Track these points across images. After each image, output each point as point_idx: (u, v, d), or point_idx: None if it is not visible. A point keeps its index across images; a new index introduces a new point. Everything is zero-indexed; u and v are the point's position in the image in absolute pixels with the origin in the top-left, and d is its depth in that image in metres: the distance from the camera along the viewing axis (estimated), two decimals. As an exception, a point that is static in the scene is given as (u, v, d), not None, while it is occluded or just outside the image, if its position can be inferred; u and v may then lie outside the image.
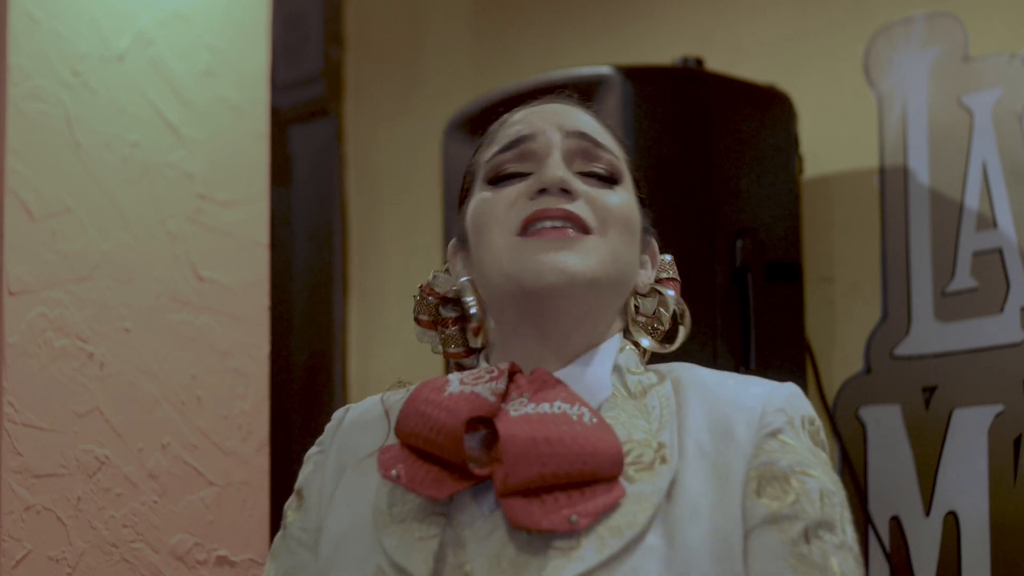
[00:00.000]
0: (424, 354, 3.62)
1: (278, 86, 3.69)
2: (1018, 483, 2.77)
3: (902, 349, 2.94)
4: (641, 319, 1.75)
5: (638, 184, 1.75)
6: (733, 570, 1.55)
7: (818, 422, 1.66)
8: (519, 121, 1.72)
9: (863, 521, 2.94)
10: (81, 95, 2.74)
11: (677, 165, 2.76)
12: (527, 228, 1.64)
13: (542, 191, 1.65)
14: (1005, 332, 2.81)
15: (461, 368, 1.77)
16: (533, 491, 1.54)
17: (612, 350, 1.69)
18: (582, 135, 1.70)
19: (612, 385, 1.66)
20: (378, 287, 3.86)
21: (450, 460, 1.57)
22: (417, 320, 1.77)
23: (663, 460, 1.58)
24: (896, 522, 2.91)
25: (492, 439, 1.58)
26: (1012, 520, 2.77)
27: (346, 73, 3.95)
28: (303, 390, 3.93)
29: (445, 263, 1.80)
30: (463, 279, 1.72)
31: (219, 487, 2.83)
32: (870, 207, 3.01)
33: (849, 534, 1.59)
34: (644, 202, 1.75)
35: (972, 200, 2.88)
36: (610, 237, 1.65)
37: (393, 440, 1.65)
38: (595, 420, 1.57)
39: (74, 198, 2.71)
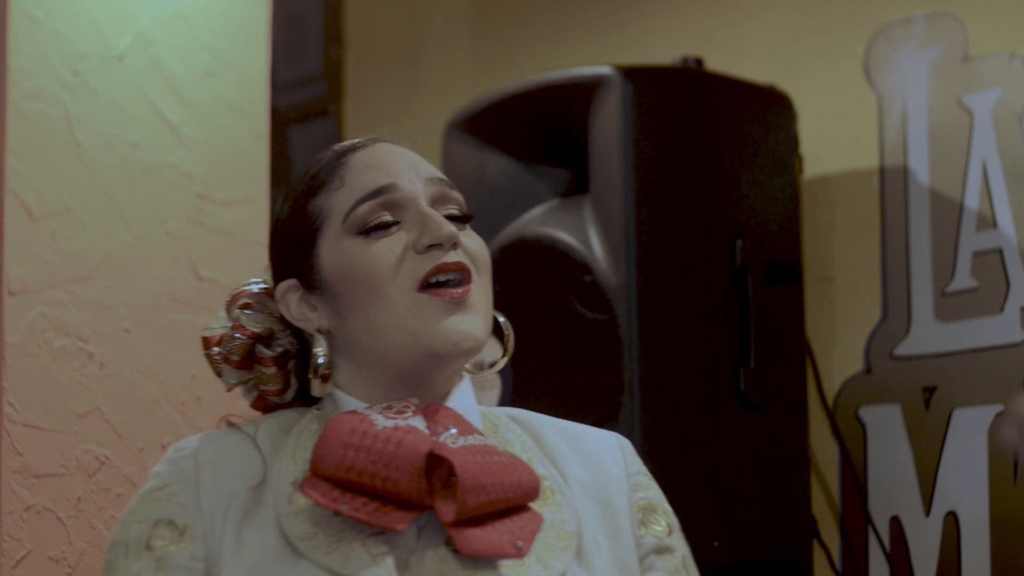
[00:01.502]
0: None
1: (278, 86, 3.69)
2: (1018, 483, 2.77)
3: (902, 349, 2.94)
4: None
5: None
6: None
7: None
8: (372, 167, 1.72)
9: (863, 521, 2.94)
10: (81, 95, 2.74)
11: (677, 165, 2.76)
12: (425, 284, 1.66)
13: (432, 247, 1.67)
14: (1005, 332, 2.81)
15: (268, 408, 1.78)
16: (475, 519, 1.60)
17: (469, 386, 1.75)
18: (440, 180, 1.72)
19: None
20: (378, 287, 3.86)
21: (396, 492, 1.59)
22: (226, 359, 1.76)
23: (552, 491, 1.69)
24: (896, 522, 2.91)
25: (430, 471, 1.61)
26: (1012, 520, 2.77)
27: (346, 73, 3.95)
28: (303, 390, 3.93)
29: (235, 302, 1.78)
30: (316, 329, 1.72)
31: (219, 487, 2.83)
32: (870, 207, 3.01)
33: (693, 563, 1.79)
34: None
35: (972, 200, 2.88)
36: (483, 281, 1.71)
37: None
38: (505, 451, 1.66)
39: (74, 198, 2.71)
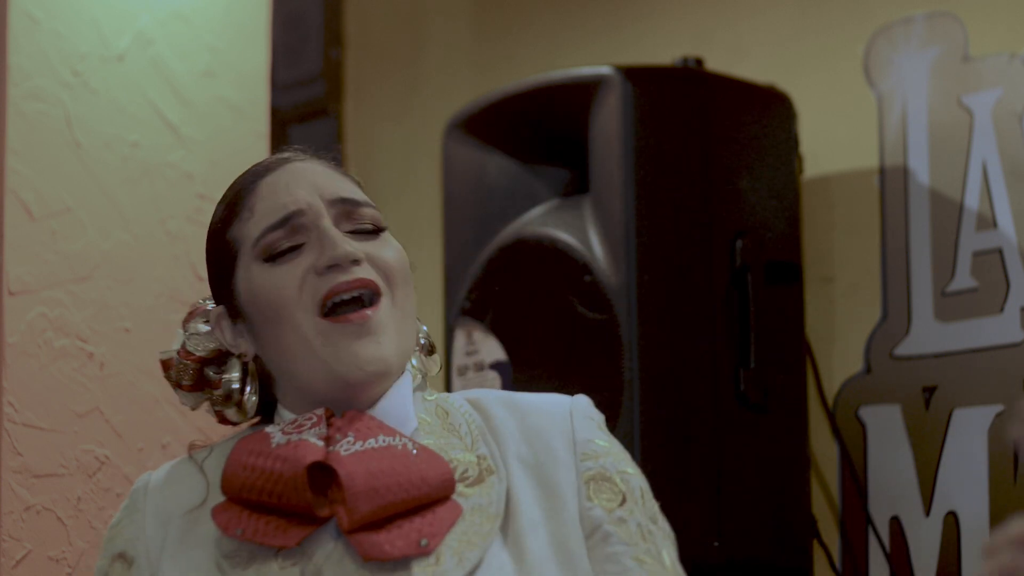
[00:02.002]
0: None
1: (278, 86, 3.69)
2: (1018, 483, 2.77)
3: (902, 349, 2.94)
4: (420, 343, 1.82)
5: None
6: (577, 573, 1.65)
7: (606, 426, 1.79)
8: (278, 192, 1.74)
9: (863, 521, 2.94)
10: (81, 95, 2.74)
11: (677, 165, 2.76)
12: (326, 305, 1.68)
13: (331, 267, 1.69)
14: (1005, 332, 2.81)
15: (233, 424, 1.81)
16: (377, 522, 1.61)
17: (407, 385, 1.75)
18: (343, 200, 1.73)
19: (417, 416, 1.73)
20: (378, 287, 3.86)
21: (291, 507, 1.62)
22: (179, 385, 1.79)
23: (489, 471, 1.68)
24: (896, 522, 2.91)
25: (325, 481, 1.63)
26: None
27: (346, 73, 3.95)
28: (303, 390, 3.93)
29: (189, 320, 1.81)
30: (240, 354, 1.75)
31: (219, 487, 2.83)
32: (870, 207, 3.01)
33: (662, 520, 1.73)
34: None
35: (972, 200, 2.87)
36: (398, 296, 1.71)
37: (215, 497, 1.69)
38: (416, 449, 1.65)
39: (74, 198, 2.71)
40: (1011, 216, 2.82)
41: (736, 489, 2.71)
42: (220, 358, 1.78)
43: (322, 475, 1.63)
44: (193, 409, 1.82)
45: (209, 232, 1.79)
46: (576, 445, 1.72)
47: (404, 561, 1.60)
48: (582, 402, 1.78)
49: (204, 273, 2.84)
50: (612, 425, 2.64)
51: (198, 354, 1.78)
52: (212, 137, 2.89)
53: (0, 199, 2.63)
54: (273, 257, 1.71)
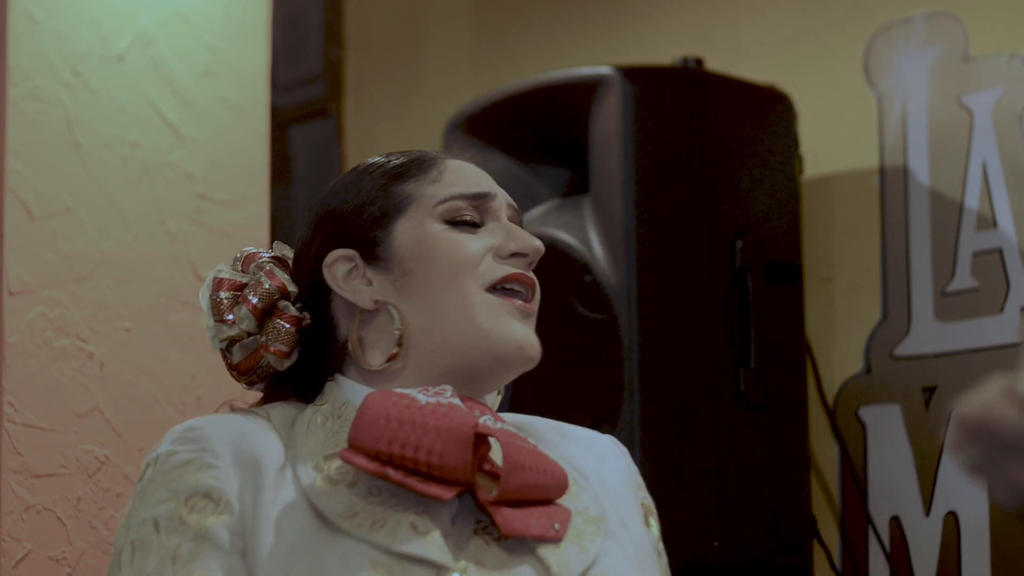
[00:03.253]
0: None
1: (278, 86, 3.69)
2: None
3: (902, 349, 2.94)
4: None
5: None
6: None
7: None
8: (468, 173, 1.77)
9: (863, 521, 2.94)
10: (81, 95, 2.74)
11: (677, 165, 2.76)
12: (496, 286, 1.71)
13: (515, 255, 1.73)
14: (1005, 332, 2.81)
15: (251, 380, 1.78)
16: (521, 501, 1.60)
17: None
18: (516, 209, 1.79)
19: None
20: (378, 287, 3.86)
21: (439, 467, 1.57)
22: (246, 301, 1.73)
23: (571, 483, 1.70)
24: (896, 522, 2.91)
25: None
26: (1012, 520, 2.77)
27: (346, 73, 3.95)
28: (303, 390, 3.93)
29: (252, 260, 1.78)
30: (376, 300, 1.72)
31: (219, 487, 2.83)
32: (870, 207, 3.01)
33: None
34: None
35: (972, 200, 2.88)
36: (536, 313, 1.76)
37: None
38: (534, 444, 1.68)
39: (74, 198, 2.71)
40: (1011, 216, 2.82)
41: (736, 489, 2.71)
42: (289, 297, 1.76)
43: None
44: (218, 343, 1.75)
45: (360, 184, 1.76)
46: (631, 475, 1.79)
47: (528, 545, 1.60)
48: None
49: (204, 273, 2.86)
50: (612, 425, 2.65)
51: (283, 282, 1.75)
52: (212, 137, 2.89)
53: (0, 199, 2.63)
54: (456, 223, 1.73)
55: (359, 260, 1.73)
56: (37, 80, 2.68)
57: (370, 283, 1.72)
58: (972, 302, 2.85)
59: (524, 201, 2.91)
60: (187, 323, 2.82)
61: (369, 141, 3.88)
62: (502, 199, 1.77)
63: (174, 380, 2.79)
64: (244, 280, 1.75)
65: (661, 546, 1.77)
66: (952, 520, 2.83)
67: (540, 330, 2.79)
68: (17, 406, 2.60)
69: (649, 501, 1.79)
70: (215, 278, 1.76)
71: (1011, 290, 2.81)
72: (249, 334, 1.75)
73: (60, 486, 2.64)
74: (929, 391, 2.90)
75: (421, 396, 1.62)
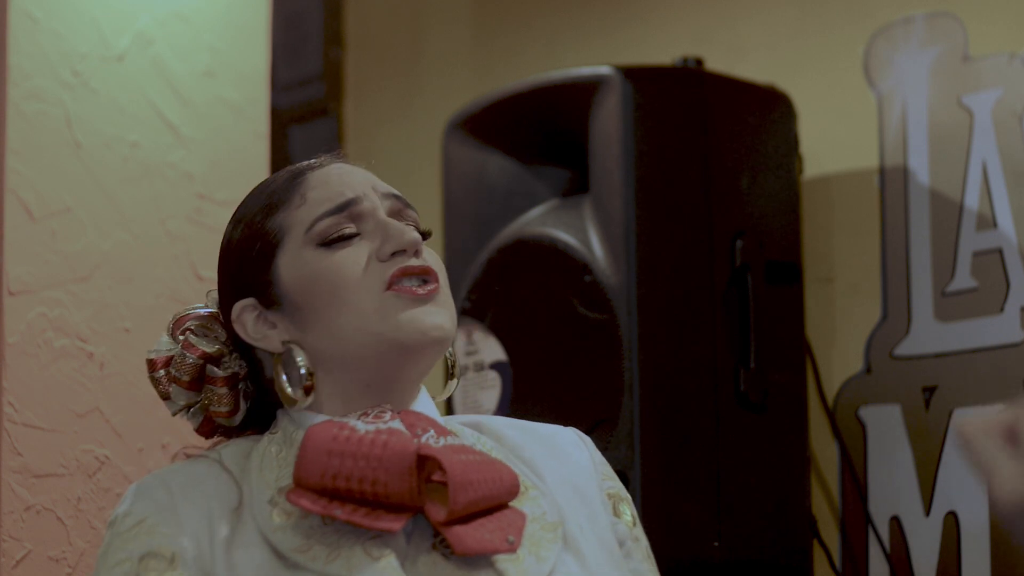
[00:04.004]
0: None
1: (278, 86, 3.69)
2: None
3: (902, 349, 2.94)
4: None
5: None
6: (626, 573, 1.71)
7: None
8: (331, 183, 1.75)
9: (863, 521, 2.94)
10: (81, 95, 2.74)
11: (677, 165, 2.76)
12: (391, 286, 1.68)
13: (395, 253, 1.69)
14: (1005, 332, 2.81)
15: (212, 435, 1.79)
16: (465, 518, 1.60)
17: (427, 397, 1.76)
18: (395, 196, 1.76)
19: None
20: (378, 287, 3.86)
21: (386, 496, 1.58)
22: (176, 380, 1.76)
23: (526, 487, 1.70)
24: (896, 522, 2.91)
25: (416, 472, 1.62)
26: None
27: (346, 73, 3.95)
28: (303, 390, 3.93)
29: (180, 325, 1.81)
30: (284, 341, 1.72)
31: (219, 487, 2.83)
32: (870, 207, 3.01)
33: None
34: None
35: (972, 200, 2.88)
36: (446, 290, 1.72)
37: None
38: (481, 451, 1.67)
39: (74, 198, 2.71)
40: (1011, 216, 2.82)
41: (736, 489, 2.71)
42: (220, 357, 1.77)
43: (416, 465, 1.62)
44: (175, 414, 1.78)
45: (242, 224, 1.79)
46: (595, 466, 1.79)
47: (486, 559, 1.60)
48: (583, 433, 1.84)
49: (204, 273, 2.86)
50: (612, 425, 2.65)
51: (205, 350, 1.76)
52: (212, 137, 2.90)
53: (0, 199, 2.63)
54: (329, 243, 1.71)
55: (259, 306, 1.74)
56: (37, 80, 2.68)
57: (274, 326, 1.73)
58: (972, 302, 2.85)
59: (524, 201, 2.91)
60: (187, 323, 2.82)
61: (369, 141, 3.88)
62: (373, 197, 1.74)
63: (174, 380, 2.79)
64: (173, 354, 1.78)
65: (638, 531, 1.77)
66: (952, 520, 2.83)
67: (541, 330, 2.80)
68: (17, 406, 2.60)
69: (617, 489, 1.78)
70: (148, 359, 1.79)
71: (1011, 290, 2.81)
72: (193, 403, 1.78)
73: (60, 486, 2.64)
74: (929, 391, 2.90)
75: (360, 424, 1.63)
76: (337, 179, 1.75)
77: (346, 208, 1.72)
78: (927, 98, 2.95)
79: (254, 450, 1.71)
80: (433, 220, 3.48)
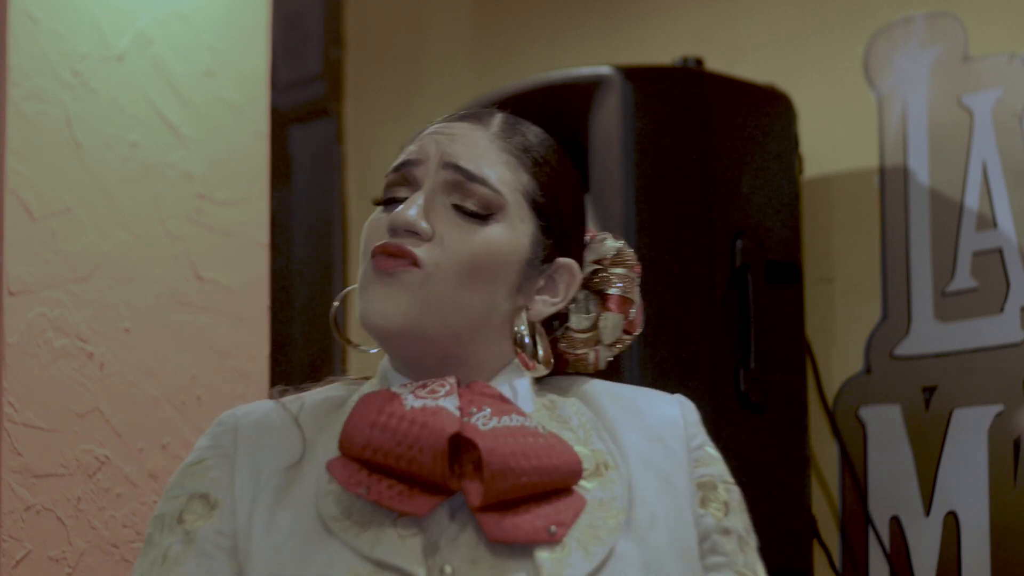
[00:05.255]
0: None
1: (278, 86, 3.69)
2: (1018, 483, 2.77)
3: (902, 349, 2.94)
4: (580, 336, 1.75)
5: (542, 213, 1.69)
6: (695, 573, 1.62)
7: None
8: (415, 141, 1.70)
9: (863, 521, 2.94)
10: (81, 95, 2.74)
11: (677, 165, 2.76)
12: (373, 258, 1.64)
13: (392, 228, 1.64)
14: (1005, 332, 2.81)
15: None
16: (507, 503, 1.56)
17: (518, 374, 1.69)
18: (456, 168, 1.65)
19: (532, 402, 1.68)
20: (378, 287, 3.86)
21: (421, 476, 1.56)
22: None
23: (607, 466, 1.63)
24: (896, 522, 2.91)
25: (456, 454, 1.58)
26: (1012, 520, 2.77)
27: (346, 73, 3.95)
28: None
29: None
30: (335, 303, 1.74)
31: (219, 487, 2.83)
32: (870, 207, 3.01)
33: (753, 534, 1.72)
34: (550, 229, 1.70)
35: (972, 200, 2.88)
36: (443, 278, 1.62)
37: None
38: (547, 431, 1.61)
39: (74, 198, 2.71)
40: (1011, 216, 2.82)
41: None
42: None
43: (455, 447, 1.57)
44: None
45: None
46: (690, 451, 1.69)
47: (528, 547, 1.55)
48: (689, 405, 1.74)
49: (204, 273, 2.86)
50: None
51: None
52: (212, 137, 2.89)
53: (0, 199, 2.63)
54: (381, 202, 1.69)
55: None
56: (37, 80, 2.68)
57: None
58: (972, 302, 2.85)
59: (524, 201, 2.91)
60: (187, 323, 2.82)
61: (369, 141, 3.88)
62: (431, 164, 1.66)
63: (174, 380, 2.79)
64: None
65: (732, 521, 1.68)
66: (952, 520, 2.83)
67: (540, 330, 2.79)
68: (17, 406, 2.60)
69: (710, 476, 1.68)
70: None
71: (1011, 290, 2.81)
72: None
73: (60, 486, 2.64)
74: (929, 391, 2.90)
75: (410, 398, 1.60)
76: (422, 137, 1.69)
77: (401, 169, 1.68)
78: (927, 98, 2.95)
79: (347, 401, 1.70)
80: (433, 220, 3.48)
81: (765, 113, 2.89)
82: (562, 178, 1.73)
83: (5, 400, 2.59)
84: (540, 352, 1.68)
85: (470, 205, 1.65)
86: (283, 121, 3.93)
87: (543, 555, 1.55)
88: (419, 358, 1.65)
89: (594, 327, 1.75)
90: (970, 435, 2.83)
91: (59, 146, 2.70)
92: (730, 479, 1.71)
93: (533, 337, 1.68)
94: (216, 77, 2.91)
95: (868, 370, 2.98)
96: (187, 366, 2.81)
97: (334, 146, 3.94)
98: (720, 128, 2.80)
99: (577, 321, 1.75)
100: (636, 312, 1.77)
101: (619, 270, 1.77)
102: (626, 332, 1.77)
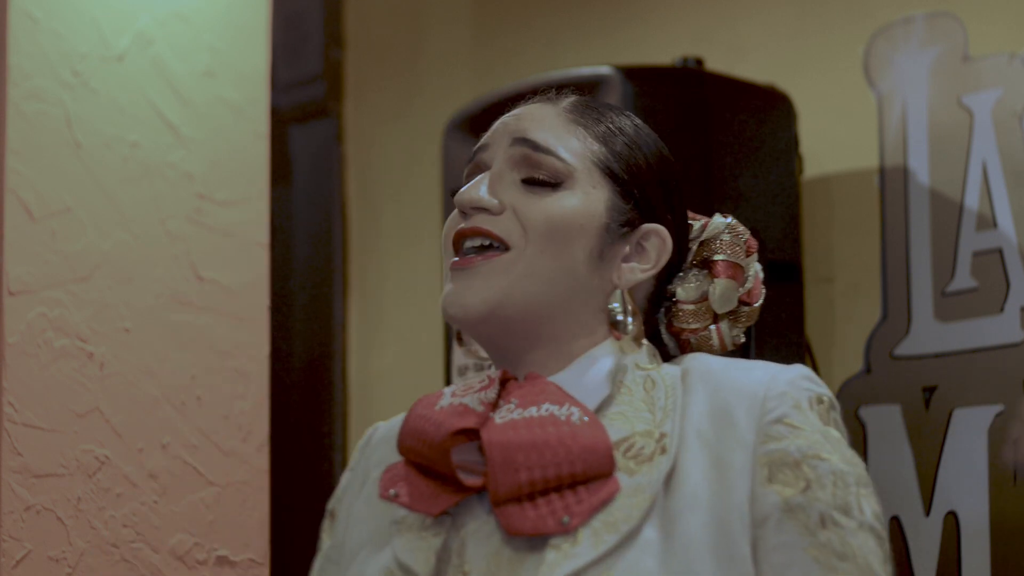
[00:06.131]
0: (423, 354, 3.62)
1: (278, 86, 3.69)
2: (1018, 483, 2.77)
3: (902, 349, 2.94)
4: (689, 307, 1.71)
5: (617, 178, 1.68)
6: (732, 560, 1.53)
7: (829, 400, 1.62)
8: (495, 125, 1.72)
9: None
10: (81, 95, 2.74)
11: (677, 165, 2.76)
12: (456, 250, 1.65)
13: (462, 211, 1.66)
14: (1005, 332, 2.81)
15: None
16: (527, 495, 1.55)
17: (605, 353, 1.66)
18: (524, 141, 1.67)
19: (615, 383, 1.64)
20: (378, 287, 3.86)
21: (443, 473, 1.59)
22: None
23: (663, 450, 1.57)
24: (896, 522, 2.91)
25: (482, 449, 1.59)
26: (1012, 520, 2.77)
27: (346, 73, 3.95)
28: (303, 390, 3.93)
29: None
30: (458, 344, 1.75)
31: (219, 487, 2.83)
32: (870, 207, 3.01)
33: (868, 512, 1.55)
34: (630, 194, 1.69)
35: (972, 200, 2.88)
36: (529, 251, 1.63)
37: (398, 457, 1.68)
38: (585, 419, 1.57)
39: (74, 198, 2.71)
40: (1011, 216, 2.82)
41: (736, 489, 2.70)
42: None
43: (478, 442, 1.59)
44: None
45: None
46: (762, 426, 1.57)
47: (543, 538, 1.54)
48: (786, 377, 1.62)
49: (204, 273, 2.86)
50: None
51: None
52: (212, 137, 2.89)
53: (0, 199, 2.63)
54: (455, 192, 1.69)
55: None
56: (37, 80, 2.68)
57: None
58: (972, 302, 2.85)
59: (524, 201, 2.91)
60: (187, 323, 2.82)
61: (369, 141, 3.88)
62: (500, 144, 1.68)
63: (174, 380, 2.79)
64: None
65: (805, 499, 1.53)
66: (952, 520, 2.83)
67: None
68: (17, 406, 2.60)
69: (781, 451, 1.55)
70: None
71: (1011, 290, 2.81)
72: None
73: (60, 486, 2.64)
74: (929, 391, 2.90)
75: (447, 397, 1.63)
76: (495, 125, 1.71)
77: (476, 154, 1.70)
78: (927, 98, 2.95)
79: None
80: (433, 220, 3.49)
81: (765, 113, 2.89)
82: (640, 147, 1.73)
83: (5, 400, 2.59)
84: (630, 324, 1.66)
85: (539, 175, 1.65)
86: (283, 121, 3.93)
87: (551, 545, 1.54)
88: (502, 345, 1.65)
89: (704, 297, 1.71)
90: (970, 435, 2.83)
91: (59, 146, 2.70)
92: (823, 454, 1.56)
93: (634, 312, 1.67)
94: (216, 77, 2.91)
95: (868, 370, 2.98)
96: (187, 366, 2.81)
97: (334, 146, 3.94)
98: (720, 128, 2.80)
99: (684, 292, 1.71)
100: (753, 281, 1.74)
101: (725, 237, 1.76)
102: (744, 303, 1.73)
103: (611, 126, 1.72)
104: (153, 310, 2.78)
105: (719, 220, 1.79)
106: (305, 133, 4.00)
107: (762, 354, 2.76)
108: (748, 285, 1.73)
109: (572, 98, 1.73)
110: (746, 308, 1.74)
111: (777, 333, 2.81)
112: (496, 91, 2.96)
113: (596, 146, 1.68)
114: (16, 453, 2.60)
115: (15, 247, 2.63)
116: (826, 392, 1.63)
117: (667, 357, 1.72)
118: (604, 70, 2.77)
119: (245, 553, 2.85)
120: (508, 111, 1.75)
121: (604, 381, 1.64)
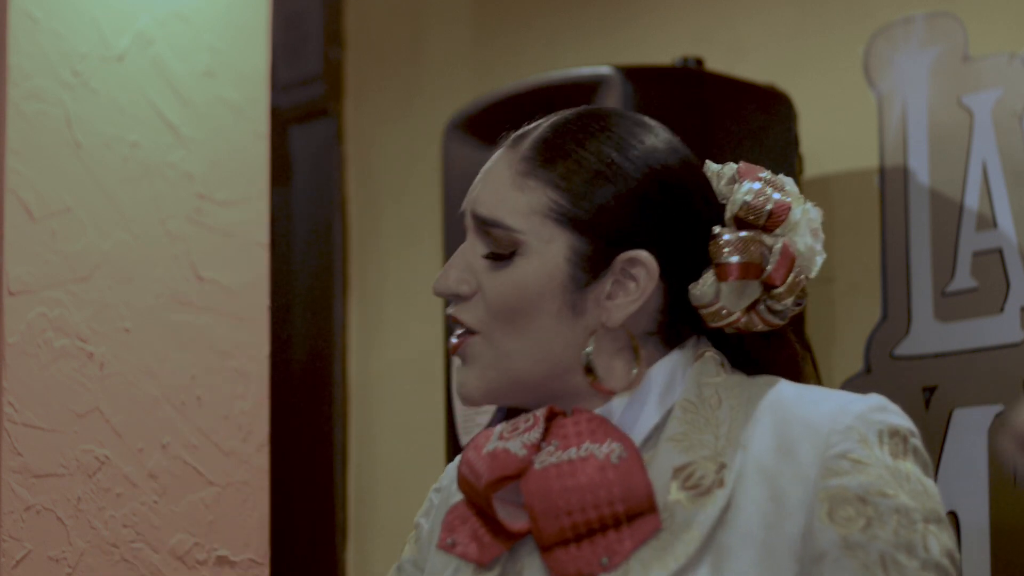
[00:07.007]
0: (423, 354, 3.62)
1: (278, 86, 3.69)
2: (1018, 484, 2.77)
3: (902, 349, 2.94)
4: (707, 311, 1.61)
5: (576, 221, 1.60)
6: None
7: (905, 431, 1.59)
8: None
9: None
10: (81, 95, 2.74)
11: (677, 165, 2.76)
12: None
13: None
14: (1005, 332, 2.81)
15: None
16: (573, 538, 1.56)
17: (659, 373, 1.61)
18: (474, 216, 1.63)
19: (670, 405, 1.60)
20: (378, 287, 3.86)
21: (492, 516, 1.61)
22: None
23: (721, 483, 1.53)
24: (896, 522, 2.90)
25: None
26: (1012, 520, 2.77)
27: (346, 73, 3.95)
28: (303, 390, 3.93)
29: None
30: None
31: (219, 487, 2.83)
32: (870, 207, 3.01)
33: (935, 550, 1.51)
34: (597, 231, 1.60)
35: (972, 200, 2.88)
36: (496, 335, 1.61)
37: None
38: (624, 456, 1.55)
39: (74, 198, 2.71)
40: (1011, 216, 2.82)
41: (736, 489, 2.70)
42: None
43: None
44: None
45: None
46: (824, 461, 1.52)
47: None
48: (856, 409, 1.58)
49: (204, 273, 2.86)
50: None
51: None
52: (212, 137, 2.90)
53: (0, 199, 2.63)
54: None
55: None
56: (37, 80, 2.68)
57: None
58: (972, 302, 2.85)
59: (524, 201, 2.91)
60: (187, 323, 2.82)
61: (369, 141, 3.88)
62: (467, 214, 1.65)
63: (174, 380, 2.79)
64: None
65: (865, 538, 1.49)
66: (952, 520, 2.83)
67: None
68: (17, 406, 2.61)
69: (841, 487, 1.51)
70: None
71: (1011, 290, 2.81)
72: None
73: (60, 486, 2.64)
74: (929, 391, 2.90)
75: (494, 439, 1.62)
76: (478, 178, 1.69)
77: (461, 222, 1.69)
78: (927, 98, 2.95)
79: None
80: (433, 220, 3.48)
81: (765, 113, 2.89)
82: (618, 172, 1.65)
83: (5, 400, 2.59)
84: (615, 371, 1.61)
85: (495, 249, 1.61)
86: (283, 121, 3.93)
87: None
88: (532, 404, 1.64)
89: (717, 298, 1.61)
90: (970, 435, 2.83)
91: (59, 146, 2.70)
92: (887, 490, 1.52)
93: (635, 348, 1.61)
94: (216, 77, 2.92)
95: (868, 370, 2.98)
96: (187, 366, 2.81)
97: (334, 146, 3.94)
98: (720, 128, 2.80)
99: (701, 295, 1.62)
100: (778, 259, 1.61)
101: (729, 236, 1.62)
102: (769, 285, 1.62)
103: (578, 158, 1.64)
104: (153, 310, 2.78)
105: (740, 194, 1.65)
106: (305, 133, 4.00)
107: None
108: (769, 268, 1.61)
109: (536, 136, 1.67)
110: (778, 289, 1.62)
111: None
112: (496, 91, 2.96)
113: (550, 193, 1.61)
114: (16, 453, 2.60)
115: (15, 247, 2.63)
116: (903, 423, 1.60)
117: (744, 356, 1.66)
118: (604, 70, 2.77)
119: (245, 553, 2.85)
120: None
121: (656, 407, 1.61)
